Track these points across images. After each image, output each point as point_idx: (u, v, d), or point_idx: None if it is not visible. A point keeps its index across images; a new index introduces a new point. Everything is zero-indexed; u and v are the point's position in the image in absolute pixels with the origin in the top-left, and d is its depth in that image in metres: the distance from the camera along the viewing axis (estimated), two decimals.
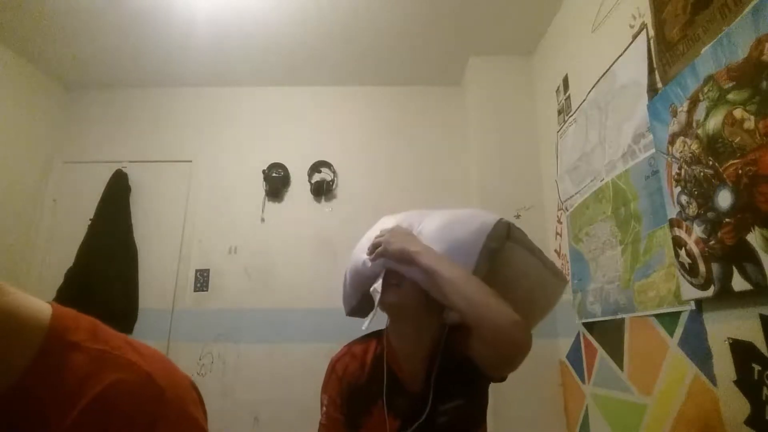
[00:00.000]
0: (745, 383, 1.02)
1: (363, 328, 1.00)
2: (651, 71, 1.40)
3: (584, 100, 1.87)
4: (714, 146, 1.08)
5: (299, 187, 2.68)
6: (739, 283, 1.01)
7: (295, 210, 2.65)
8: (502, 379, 0.99)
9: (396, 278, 1.00)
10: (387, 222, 1.14)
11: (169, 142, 2.77)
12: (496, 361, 0.93)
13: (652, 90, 1.39)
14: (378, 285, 1.00)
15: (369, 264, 1.04)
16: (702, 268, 1.12)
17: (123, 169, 2.65)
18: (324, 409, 1.03)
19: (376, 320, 1.07)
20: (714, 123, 1.08)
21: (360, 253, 1.10)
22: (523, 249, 1.02)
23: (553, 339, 2.13)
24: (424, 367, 1.01)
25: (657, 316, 1.36)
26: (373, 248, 1.03)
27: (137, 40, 2.41)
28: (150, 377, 0.43)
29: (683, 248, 1.19)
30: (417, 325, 1.02)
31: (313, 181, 2.65)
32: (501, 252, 0.99)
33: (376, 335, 1.11)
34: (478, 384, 1.01)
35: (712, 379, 1.13)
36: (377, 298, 0.99)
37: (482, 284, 0.90)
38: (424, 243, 0.99)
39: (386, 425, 0.97)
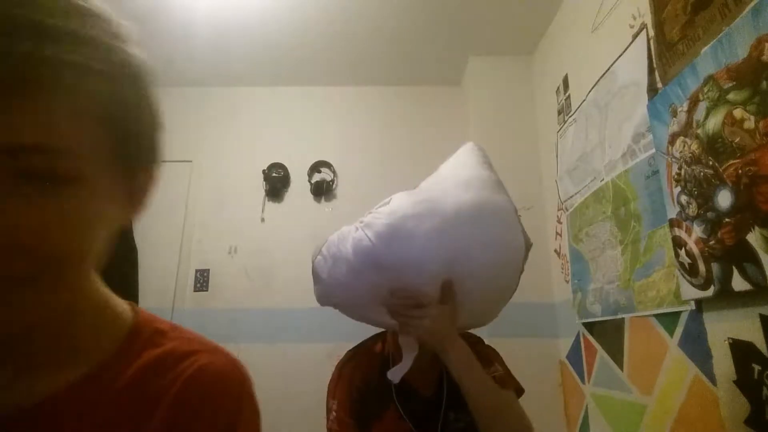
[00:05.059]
0: (745, 383, 1.02)
1: (394, 382, 0.97)
2: (651, 71, 1.40)
3: (584, 100, 1.86)
4: (714, 146, 1.08)
5: (299, 187, 2.67)
6: (739, 283, 1.01)
7: (295, 210, 2.64)
8: None
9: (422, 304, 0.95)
10: (401, 200, 0.99)
11: (169, 142, 2.71)
12: None
13: (652, 90, 1.39)
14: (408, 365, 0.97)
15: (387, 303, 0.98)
16: (702, 268, 1.12)
17: None
18: (333, 414, 0.99)
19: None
20: (714, 123, 1.08)
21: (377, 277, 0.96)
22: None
23: (553, 339, 2.13)
24: (435, 369, 1.00)
25: (657, 316, 1.36)
26: (406, 304, 0.95)
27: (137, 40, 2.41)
28: (236, 362, 0.46)
29: (683, 248, 1.19)
30: None
31: (313, 181, 2.65)
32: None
33: (381, 337, 1.09)
34: None
35: (712, 379, 1.13)
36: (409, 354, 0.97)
37: (503, 398, 0.92)
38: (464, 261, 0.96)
39: (398, 429, 0.96)
